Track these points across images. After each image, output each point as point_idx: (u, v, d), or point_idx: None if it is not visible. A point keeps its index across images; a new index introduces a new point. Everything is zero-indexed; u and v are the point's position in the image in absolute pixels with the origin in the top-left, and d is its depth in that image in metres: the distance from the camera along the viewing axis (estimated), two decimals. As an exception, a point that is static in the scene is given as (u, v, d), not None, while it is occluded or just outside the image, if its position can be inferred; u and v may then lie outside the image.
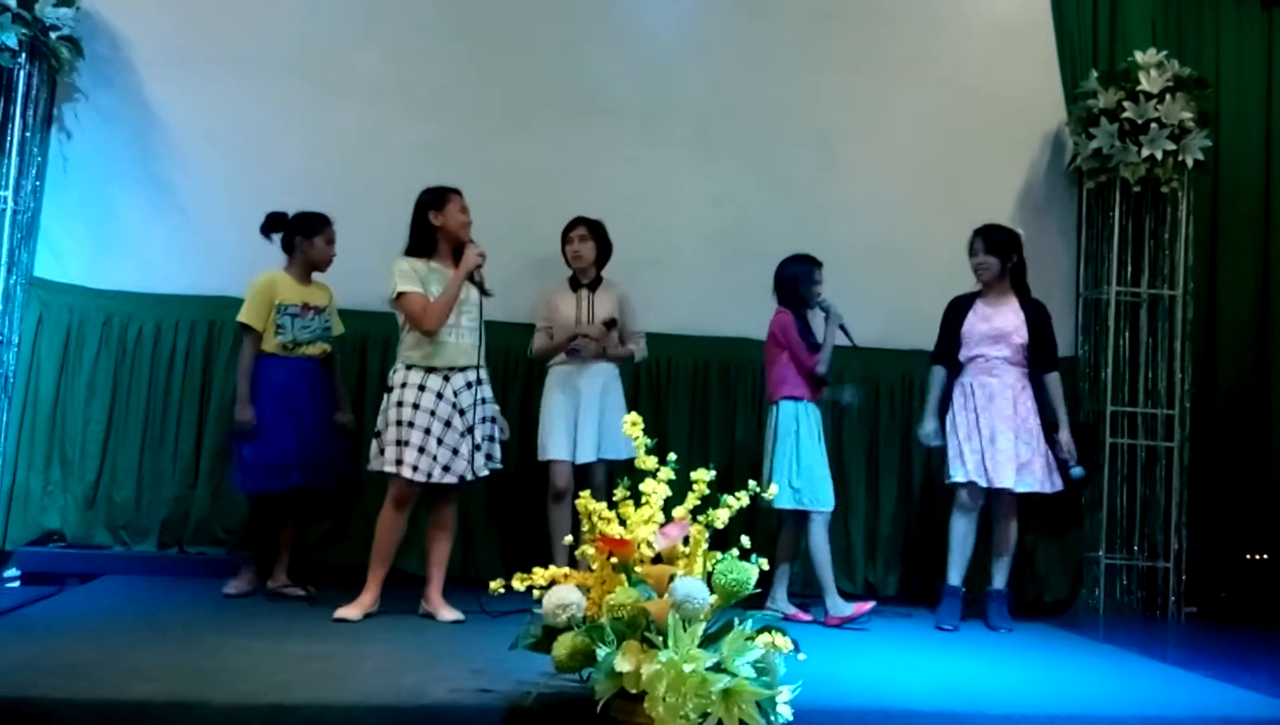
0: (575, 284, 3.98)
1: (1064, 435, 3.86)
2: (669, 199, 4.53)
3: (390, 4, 4.48)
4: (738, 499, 2.34)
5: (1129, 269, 4.67)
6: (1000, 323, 3.87)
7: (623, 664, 2.03)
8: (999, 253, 3.89)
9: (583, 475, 3.89)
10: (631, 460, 3.80)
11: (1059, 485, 3.85)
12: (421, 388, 3.27)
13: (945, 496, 4.00)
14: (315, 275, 3.80)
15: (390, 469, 3.26)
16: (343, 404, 3.88)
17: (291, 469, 3.61)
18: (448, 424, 3.28)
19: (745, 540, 2.34)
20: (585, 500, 2.33)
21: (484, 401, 3.39)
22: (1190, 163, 4.51)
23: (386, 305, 3.37)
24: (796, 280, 3.87)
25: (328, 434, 3.74)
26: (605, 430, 3.85)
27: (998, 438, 3.77)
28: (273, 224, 3.73)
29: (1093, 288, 4.75)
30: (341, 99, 4.36)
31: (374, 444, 3.33)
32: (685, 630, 2.03)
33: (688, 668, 1.98)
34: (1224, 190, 4.87)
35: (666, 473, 2.35)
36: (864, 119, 4.69)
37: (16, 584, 3.90)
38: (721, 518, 2.30)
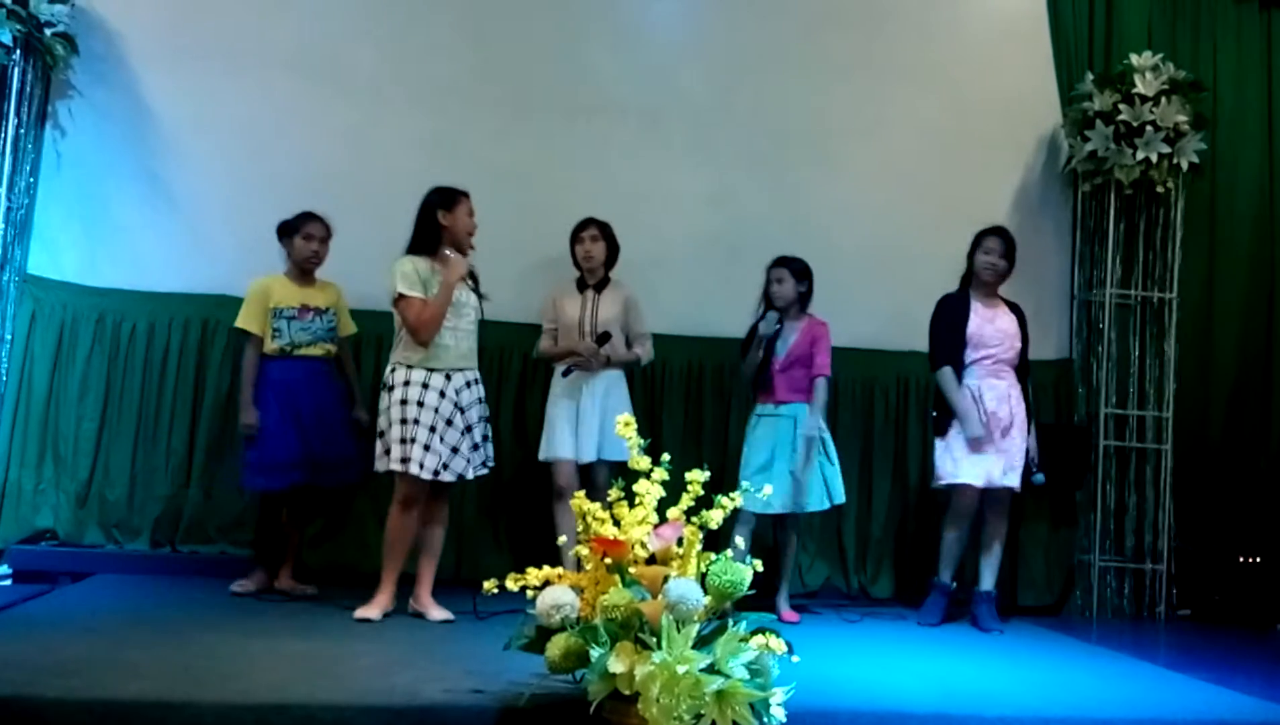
0: (582, 285, 3.98)
1: (1031, 441, 3.91)
2: (667, 199, 4.52)
3: (388, 0, 4.47)
4: (732, 500, 2.34)
5: (1123, 271, 4.67)
6: (1003, 326, 3.91)
7: (616, 665, 2.03)
8: (1010, 259, 3.94)
9: (584, 476, 3.89)
10: (625, 462, 3.88)
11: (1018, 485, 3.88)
12: (425, 386, 3.29)
13: (933, 498, 4.00)
14: (322, 275, 3.80)
15: (397, 468, 3.26)
16: (356, 402, 3.88)
17: (292, 468, 3.62)
18: (449, 423, 3.30)
19: (739, 541, 2.34)
20: (579, 500, 2.33)
21: (480, 401, 3.43)
22: (1185, 165, 4.52)
23: (389, 304, 3.36)
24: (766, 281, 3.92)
25: (335, 434, 3.72)
26: (606, 432, 3.85)
27: (1008, 439, 3.81)
28: (279, 231, 3.80)
29: (1087, 290, 4.76)
30: (339, 96, 4.35)
31: (378, 444, 3.33)
32: (679, 631, 2.03)
33: (681, 669, 1.98)
34: (1220, 192, 4.88)
35: (660, 473, 2.35)
36: (860, 120, 4.69)
37: (8, 582, 3.88)
38: (715, 519, 2.30)
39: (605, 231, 3.95)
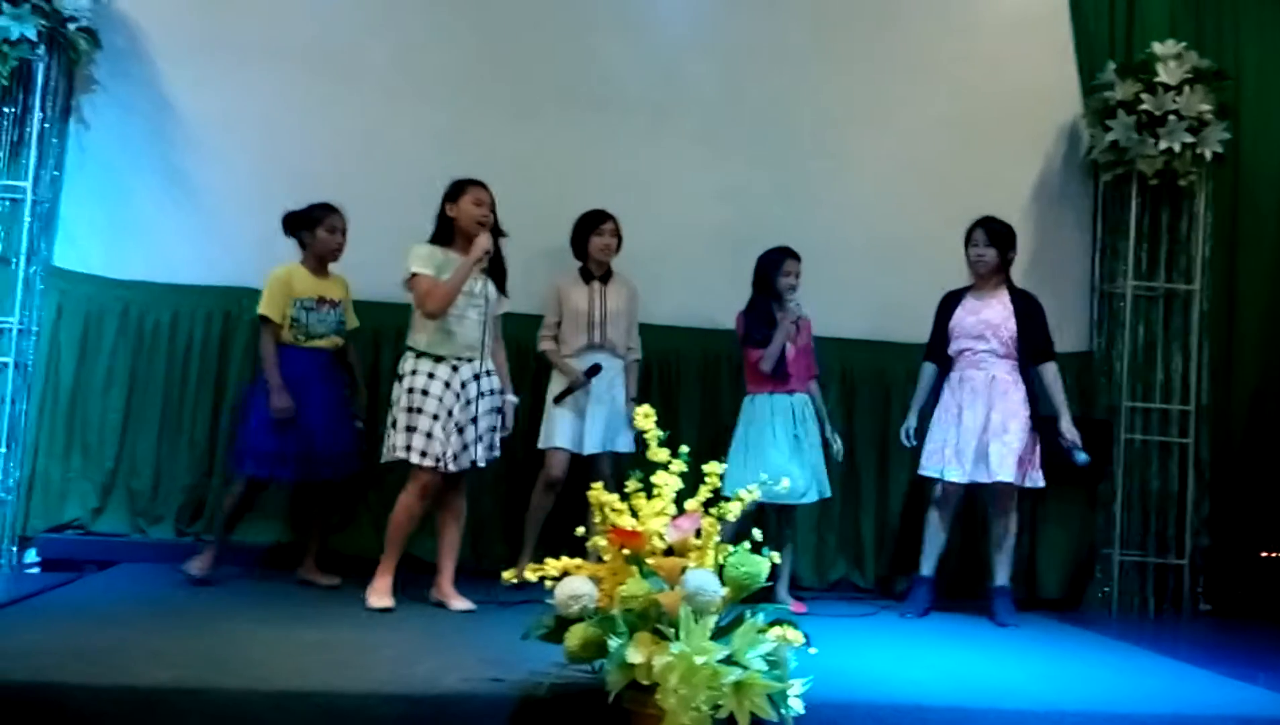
0: (587, 276, 3.99)
1: (1064, 423, 3.81)
2: (677, 192, 4.51)
3: (404, -5, 4.49)
4: (749, 492, 2.34)
5: (1145, 263, 4.63)
6: (988, 315, 3.86)
7: (635, 655, 2.04)
8: (1000, 245, 3.89)
9: (583, 467, 3.91)
10: (633, 453, 3.89)
11: (1037, 481, 3.82)
12: (431, 376, 3.32)
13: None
14: (333, 268, 3.82)
15: (401, 456, 3.30)
16: (356, 396, 3.90)
17: (288, 460, 3.59)
18: (450, 413, 3.31)
19: (757, 533, 2.34)
20: (597, 492, 2.34)
21: (492, 392, 3.42)
22: (1209, 155, 4.46)
23: (401, 287, 3.39)
24: (768, 269, 3.91)
25: (336, 427, 3.72)
26: (611, 423, 3.89)
27: (985, 432, 3.76)
28: (288, 223, 3.76)
29: (1109, 282, 4.71)
30: (356, 90, 4.37)
31: (388, 434, 3.37)
32: (697, 623, 2.04)
33: (699, 660, 1.99)
34: (1245, 183, 4.81)
35: (678, 465, 2.36)
36: (876, 112, 4.66)
37: (36, 570, 3.95)
38: (733, 510, 2.31)
39: (618, 226, 4.00)
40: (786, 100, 4.61)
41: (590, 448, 3.86)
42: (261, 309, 3.67)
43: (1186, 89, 4.41)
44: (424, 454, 3.27)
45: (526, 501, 3.97)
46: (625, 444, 3.91)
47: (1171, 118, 4.40)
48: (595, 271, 3.99)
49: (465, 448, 3.33)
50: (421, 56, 4.45)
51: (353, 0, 4.45)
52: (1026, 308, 3.88)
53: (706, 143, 4.57)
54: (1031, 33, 4.76)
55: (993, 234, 3.89)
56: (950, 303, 3.97)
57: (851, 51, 4.66)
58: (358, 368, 3.93)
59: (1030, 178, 4.74)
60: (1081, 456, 3.78)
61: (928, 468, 3.89)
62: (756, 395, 3.91)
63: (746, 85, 4.61)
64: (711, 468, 2.37)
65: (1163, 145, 4.41)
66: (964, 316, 3.90)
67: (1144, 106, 4.42)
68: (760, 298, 3.92)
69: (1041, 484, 3.85)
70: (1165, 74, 4.42)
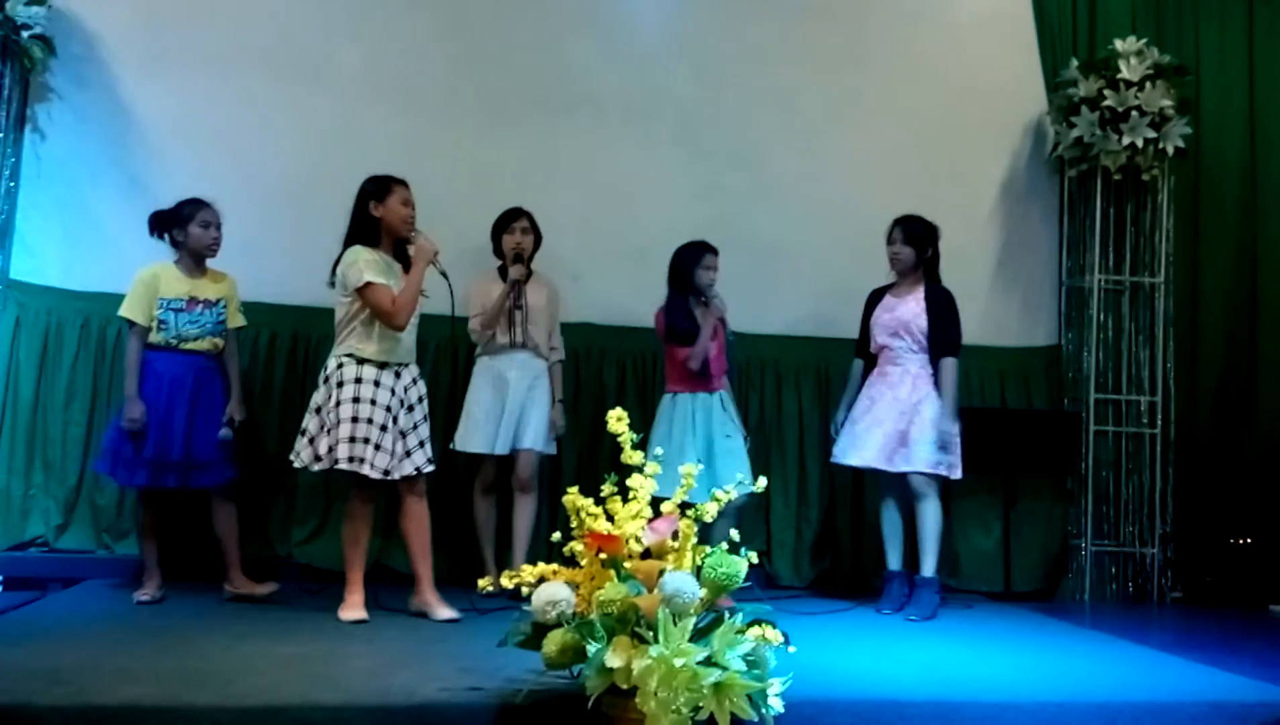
0: (506, 274, 3.95)
1: (938, 416, 3.75)
2: (653, 193, 4.51)
3: (367, 0, 4.44)
4: (726, 493, 2.34)
5: (1111, 257, 4.69)
6: (901, 312, 3.89)
7: (613, 660, 2.02)
8: (916, 243, 3.91)
9: (506, 466, 3.92)
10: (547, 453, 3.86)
11: (944, 471, 3.74)
12: (377, 383, 3.24)
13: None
14: (214, 266, 3.67)
15: (344, 467, 3.19)
16: (234, 399, 3.67)
17: (163, 468, 3.46)
18: (396, 421, 3.27)
19: (734, 533, 2.34)
20: (573, 497, 2.32)
21: (422, 399, 3.41)
22: (1171, 150, 4.53)
23: (341, 293, 3.29)
24: (686, 264, 3.90)
25: (212, 434, 3.55)
26: (527, 422, 3.85)
27: (885, 422, 3.80)
28: (155, 223, 3.61)
29: (1075, 276, 4.77)
30: (319, 95, 4.32)
31: (318, 441, 3.23)
32: (675, 625, 2.03)
33: (679, 662, 1.98)
34: (1206, 176, 4.89)
35: (653, 467, 2.35)
36: (846, 111, 4.69)
37: (-1, 590, 3.86)
38: (710, 512, 2.30)
39: (534, 223, 3.97)
40: (759, 100, 4.62)
41: (501, 448, 3.83)
42: (122, 310, 3.55)
43: (1148, 85, 4.47)
44: (373, 466, 3.18)
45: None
46: (541, 444, 3.87)
47: (1134, 113, 4.47)
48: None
49: (409, 453, 3.28)
50: (387, 60, 4.41)
51: (317, 4, 4.40)
52: (938, 303, 3.88)
53: (682, 144, 4.57)
54: (995, 31, 4.81)
55: (909, 232, 3.91)
56: (872, 300, 4.02)
57: (821, 52, 4.68)
58: (234, 371, 3.71)
59: (997, 175, 4.79)
60: (946, 452, 3.72)
61: (836, 456, 3.95)
62: (678, 394, 3.90)
63: (719, 85, 4.62)
64: (687, 468, 2.37)
65: (1126, 140, 4.48)
66: (881, 314, 3.95)
67: (1107, 102, 4.48)
68: (678, 293, 3.91)
69: (958, 476, 3.80)
70: (1127, 70, 4.48)
